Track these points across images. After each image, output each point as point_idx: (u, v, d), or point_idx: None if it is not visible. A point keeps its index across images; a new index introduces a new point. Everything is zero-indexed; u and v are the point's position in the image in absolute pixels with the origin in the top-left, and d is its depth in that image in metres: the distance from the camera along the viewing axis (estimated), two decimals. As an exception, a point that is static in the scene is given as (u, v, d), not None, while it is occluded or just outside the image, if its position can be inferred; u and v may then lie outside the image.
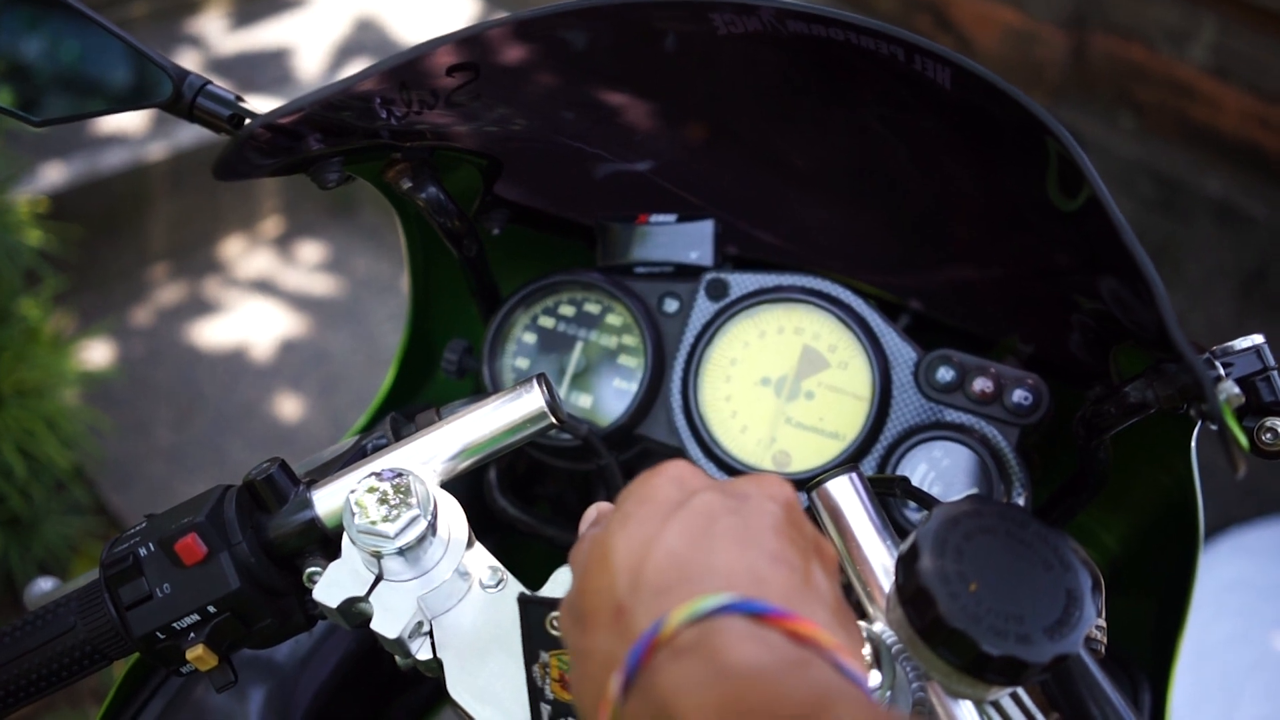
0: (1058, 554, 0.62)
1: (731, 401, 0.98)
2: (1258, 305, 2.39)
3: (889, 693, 0.66)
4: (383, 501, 0.75)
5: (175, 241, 3.28)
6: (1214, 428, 0.68)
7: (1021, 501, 0.91)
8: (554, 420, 0.84)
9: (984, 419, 0.93)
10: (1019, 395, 0.92)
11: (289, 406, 2.98)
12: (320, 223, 3.47)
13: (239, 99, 0.92)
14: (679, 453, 0.99)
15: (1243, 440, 0.62)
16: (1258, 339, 0.76)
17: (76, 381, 2.54)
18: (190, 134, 3.17)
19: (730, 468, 0.97)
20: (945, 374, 0.94)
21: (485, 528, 0.89)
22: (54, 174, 3.00)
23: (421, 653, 0.76)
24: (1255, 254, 2.37)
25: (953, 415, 0.94)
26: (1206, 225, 2.43)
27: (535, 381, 0.84)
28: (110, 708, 0.95)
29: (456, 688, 0.75)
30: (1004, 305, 1.04)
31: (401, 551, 0.74)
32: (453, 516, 0.78)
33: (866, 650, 0.66)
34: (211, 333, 3.15)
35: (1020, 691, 0.69)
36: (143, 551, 0.80)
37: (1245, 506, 2.40)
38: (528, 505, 1.10)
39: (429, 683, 1.12)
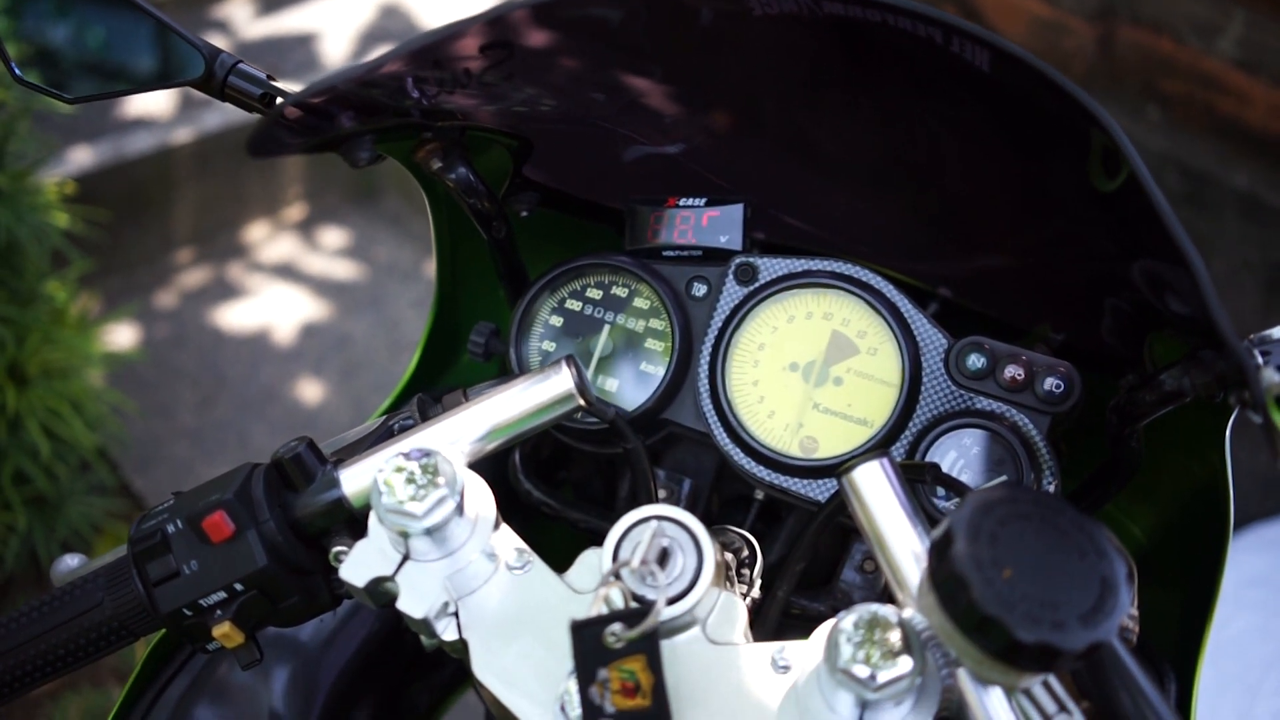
0: (1093, 541, 0.62)
1: (759, 386, 0.98)
2: (1283, 300, 2.37)
3: (919, 679, 0.66)
4: (410, 481, 0.74)
5: (200, 225, 3.30)
6: (1257, 419, 0.67)
7: (1051, 490, 0.90)
8: (582, 402, 0.84)
9: (1014, 406, 0.92)
10: (1050, 383, 0.91)
11: (311, 390, 3.00)
12: (343, 209, 3.48)
13: (270, 78, 0.92)
14: (705, 438, 0.99)
15: (1280, 426, 0.61)
16: (1295, 327, 0.76)
17: (101, 363, 2.56)
18: (215, 118, 3.18)
19: (757, 453, 0.96)
20: (976, 361, 0.93)
21: (509, 511, 0.89)
22: (81, 157, 3.02)
23: (447, 633, 0.76)
24: (1281, 248, 2.36)
25: (983, 403, 0.93)
26: (1233, 219, 2.41)
27: (564, 363, 0.83)
28: (135, 685, 0.96)
29: (481, 669, 0.75)
30: (1036, 292, 1.04)
31: (429, 532, 0.74)
32: (480, 497, 0.78)
33: (896, 637, 0.66)
34: (235, 317, 3.17)
35: (1051, 679, 0.68)
36: (170, 529, 0.80)
37: (1266, 502, 2.38)
38: (552, 489, 1.10)
39: (450, 664, 1.13)
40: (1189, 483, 1.02)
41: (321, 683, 0.97)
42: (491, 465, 1.14)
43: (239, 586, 0.79)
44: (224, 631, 0.80)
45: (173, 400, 2.96)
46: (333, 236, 3.41)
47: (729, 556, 0.89)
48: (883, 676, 0.64)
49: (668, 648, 0.72)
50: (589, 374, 1.02)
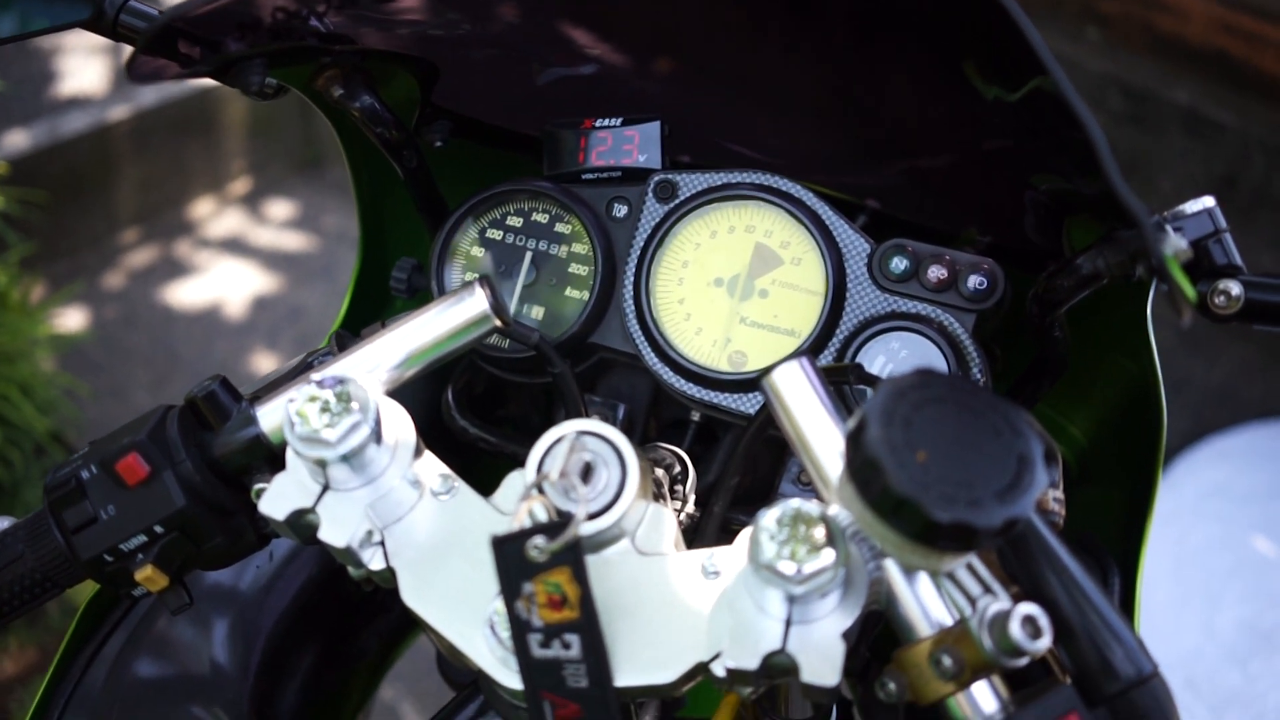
0: (1008, 421, 0.61)
1: (685, 304, 0.97)
2: (1229, 213, 2.37)
3: (843, 570, 0.65)
4: (325, 410, 0.73)
5: (143, 204, 3.25)
6: (1164, 288, 0.67)
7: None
8: (498, 323, 0.83)
9: (940, 307, 0.92)
10: (974, 281, 0.91)
11: (266, 363, 2.97)
12: (289, 180, 3.44)
13: (162, 14, 0.90)
14: (635, 360, 0.98)
15: (1190, 292, 0.61)
16: (1208, 201, 0.75)
17: (49, 346, 2.52)
18: (151, 94, 3.13)
19: (686, 371, 0.95)
20: (899, 264, 0.93)
21: (448, 452, 0.88)
22: (16, 140, 2.96)
23: (374, 563, 0.75)
24: (1225, 162, 2.36)
25: (908, 305, 0.93)
26: (1176, 136, 2.41)
27: (477, 284, 0.82)
28: (70, 642, 0.94)
29: (410, 595, 0.74)
30: (960, 196, 1.03)
31: (346, 459, 0.72)
32: (399, 423, 0.77)
33: (820, 532, 0.65)
34: (185, 294, 3.13)
35: (976, 563, 0.68)
36: (85, 474, 0.78)
37: (1220, 414, 2.41)
38: (490, 426, 1.09)
39: (397, 608, 1.12)
40: (1124, 382, 1.02)
41: (261, 628, 0.96)
42: (426, 407, 1.14)
43: (159, 529, 0.78)
44: (146, 575, 0.78)
45: (126, 381, 2.93)
46: (280, 208, 3.37)
47: (660, 473, 0.88)
48: (806, 569, 0.64)
49: (597, 561, 0.72)
50: (513, 303, 1.01)
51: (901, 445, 0.60)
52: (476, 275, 0.98)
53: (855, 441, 0.61)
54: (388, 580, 0.76)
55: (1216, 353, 2.41)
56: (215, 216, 3.34)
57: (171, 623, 0.95)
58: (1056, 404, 1.13)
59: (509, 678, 0.70)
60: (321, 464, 0.73)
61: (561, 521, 0.67)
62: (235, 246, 3.27)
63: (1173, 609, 2.25)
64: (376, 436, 0.74)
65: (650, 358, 0.97)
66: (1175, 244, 0.65)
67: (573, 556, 0.68)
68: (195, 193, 3.33)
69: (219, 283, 3.16)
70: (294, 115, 3.37)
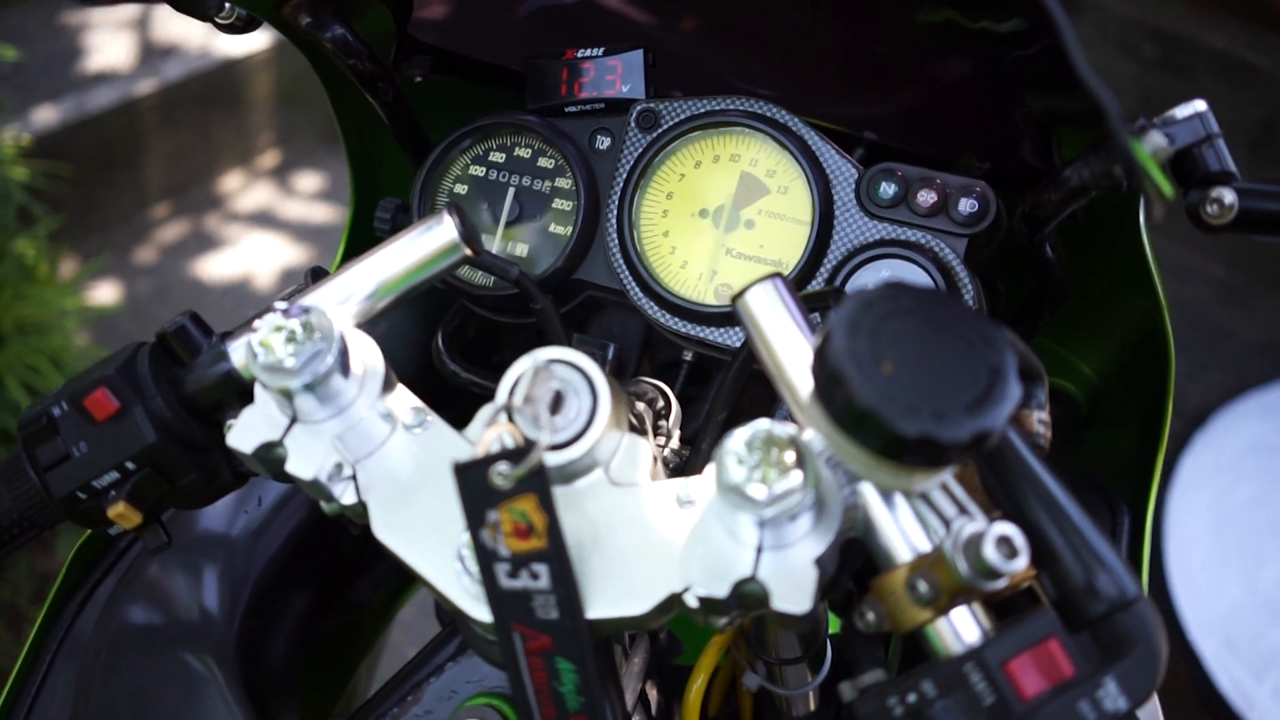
0: (980, 333, 0.58)
1: (670, 237, 0.94)
2: (1265, 160, 2.31)
3: (813, 492, 0.63)
4: (291, 340, 0.72)
5: (172, 178, 3.27)
6: (1144, 192, 0.63)
7: (972, 314, 0.86)
8: (469, 252, 0.81)
9: (930, 232, 0.88)
10: (965, 204, 0.87)
11: (294, 334, 2.98)
12: (317, 153, 3.44)
13: None
14: (621, 296, 0.95)
15: (1165, 187, 0.57)
16: (1200, 105, 0.71)
17: (79, 318, 2.54)
18: (176, 68, 3.14)
19: (672, 305, 0.93)
20: (888, 189, 0.89)
21: (443, 401, 0.86)
22: (45, 115, 2.98)
23: (346, 497, 0.73)
24: (1262, 107, 2.29)
25: (898, 231, 0.89)
26: (1210, 82, 2.34)
27: (445, 212, 0.80)
28: (61, 590, 0.94)
29: (381, 529, 0.72)
30: (955, 121, 1.00)
31: (311, 389, 0.71)
32: (368, 354, 0.75)
33: (791, 456, 0.63)
34: (215, 267, 3.15)
35: (953, 485, 0.65)
36: (56, 411, 0.77)
37: (1261, 367, 2.35)
38: (482, 370, 1.07)
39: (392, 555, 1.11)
40: (1135, 319, 0.98)
41: (250, 573, 0.95)
42: (419, 352, 1.12)
43: (130, 465, 0.77)
44: (119, 512, 0.77)
45: (158, 353, 2.95)
46: (309, 180, 3.38)
47: (642, 407, 0.86)
48: (774, 490, 0.61)
49: (569, 492, 0.70)
50: (497, 239, 0.99)
51: (866, 356, 0.57)
52: (445, 204, 0.96)
53: (820, 355, 0.59)
54: (360, 515, 0.74)
55: (1257, 306, 2.35)
56: (244, 190, 3.35)
57: (161, 569, 0.94)
58: (1068, 342, 1.10)
59: (479, 610, 0.69)
60: (287, 395, 0.71)
61: (525, 447, 0.65)
62: (264, 219, 3.28)
63: (1213, 567, 2.20)
64: (344, 367, 0.72)
65: (635, 293, 0.94)
66: (1154, 141, 0.61)
67: (538, 484, 0.66)
68: (224, 166, 3.34)
69: (249, 255, 3.17)
70: (320, 87, 3.37)
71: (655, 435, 0.88)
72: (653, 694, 0.97)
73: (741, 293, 0.72)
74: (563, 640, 0.68)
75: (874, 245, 0.89)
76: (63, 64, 3.13)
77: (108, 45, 3.24)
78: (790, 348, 0.69)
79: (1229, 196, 0.70)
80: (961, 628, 0.63)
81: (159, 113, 3.14)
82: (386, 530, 0.72)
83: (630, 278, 0.95)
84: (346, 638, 1.11)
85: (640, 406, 0.86)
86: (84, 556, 0.95)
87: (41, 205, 2.43)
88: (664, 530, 0.68)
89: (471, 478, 0.66)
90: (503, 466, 0.65)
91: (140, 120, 3.12)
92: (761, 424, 0.63)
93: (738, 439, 0.63)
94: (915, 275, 0.87)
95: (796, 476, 0.62)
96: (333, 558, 1.05)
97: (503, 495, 0.66)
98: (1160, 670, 0.59)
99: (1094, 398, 1.09)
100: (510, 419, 0.69)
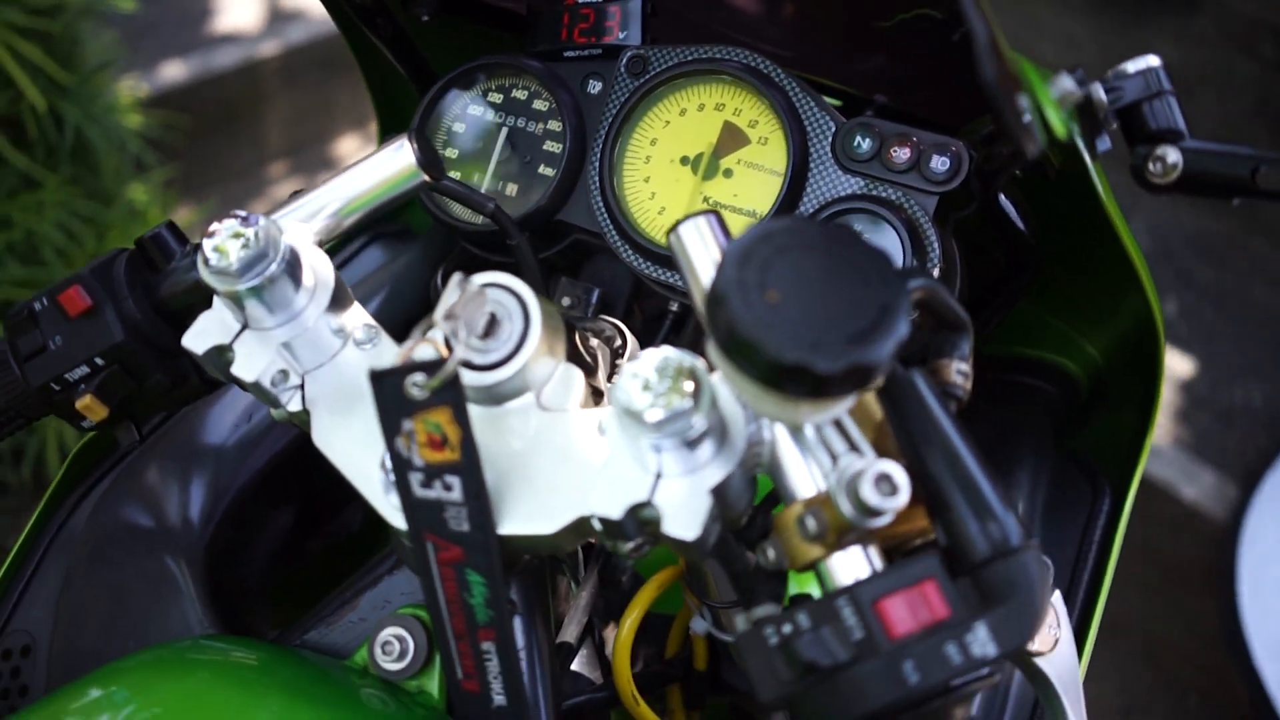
0: (879, 272, 0.58)
1: (651, 183, 0.95)
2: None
3: (707, 419, 0.63)
4: (245, 248, 0.75)
5: (290, 139, 3.38)
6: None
7: (935, 274, 0.85)
8: (426, 178, 0.83)
9: (901, 189, 0.87)
10: (938, 162, 0.86)
11: (390, 294, 3.06)
12: (430, 120, 3.52)
13: None
14: (599, 239, 0.96)
15: (1060, 128, 0.56)
16: (1153, 60, 0.69)
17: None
18: (300, 31, 3.25)
19: (647, 250, 0.94)
20: (862, 143, 0.88)
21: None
22: (172, 70, 3.12)
23: (292, 404, 0.76)
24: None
25: (869, 187, 0.88)
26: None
27: (406, 138, 0.83)
28: (59, 486, 0.99)
29: (319, 437, 0.75)
30: (958, 82, 0.98)
31: (257, 294, 0.74)
32: (320, 267, 0.78)
33: (690, 385, 0.63)
34: (321, 225, 3.25)
35: (848, 423, 0.65)
36: (37, 305, 0.82)
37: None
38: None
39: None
40: (1135, 302, 0.95)
41: (233, 483, 0.99)
42: (421, 290, 1.15)
43: (99, 361, 0.81)
44: (86, 404, 0.82)
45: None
46: (419, 148, 3.46)
47: (597, 343, 0.87)
48: (662, 413, 0.62)
49: (499, 412, 0.72)
50: (487, 178, 1.01)
51: (753, 285, 0.57)
52: (462, 160, 0.99)
53: (713, 284, 0.59)
54: (304, 423, 0.77)
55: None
56: (360, 153, 3.45)
57: (154, 473, 0.99)
58: (1075, 322, 1.07)
59: (396, 518, 0.71)
60: (237, 299, 0.74)
61: (439, 360, 0.67)
62: (376, 183, 3.37)
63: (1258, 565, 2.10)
64: (294, 278, 0.75)
65: (613, 237, 0.95)
66: (1062, 85, 0.60)
67: (453, 396, 0.68)
68: (340, 129, 3.44)
69: (356, 216, 3.26)
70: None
71: (613, 373, 0.88)
72: (610, 634, 0.98)
73: (674, 226, 0.72)
74: (473, 552, 0.70)
75: (845, 199, 0.88)
76: (193, 23, 3.27)
77: (236, 6, 3.37)
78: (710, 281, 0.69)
79: (1172, 155, 0.67)
80: (851, 567, 0.62)
81: (280, 75, 3.25)
82: (324, 439, 0.75)
83: (609, 222, 0.96)
84: (334, 562, 1.14)
85: (595, 343, 0.87)
86: (85, 457, 1.00)
87: (157, 155, 2.54)
88: (585, 455, 0.70)
89: (387, 386, 0.68)
90: (418, 377, 0.67)
91: (262, 81, 3.24)
92: (662, 350, 0.64)
93: (637, 364, 0.64)
94: (886, 232, 0.86)
95: (686, 401, 0.63)
96: (323, 480, 1.09)
97: (417, 405, 0.68)
98: (1036, 621, 0.58)
99: (1100, 380, 1.06)
100: (448, 342, 0.71)
